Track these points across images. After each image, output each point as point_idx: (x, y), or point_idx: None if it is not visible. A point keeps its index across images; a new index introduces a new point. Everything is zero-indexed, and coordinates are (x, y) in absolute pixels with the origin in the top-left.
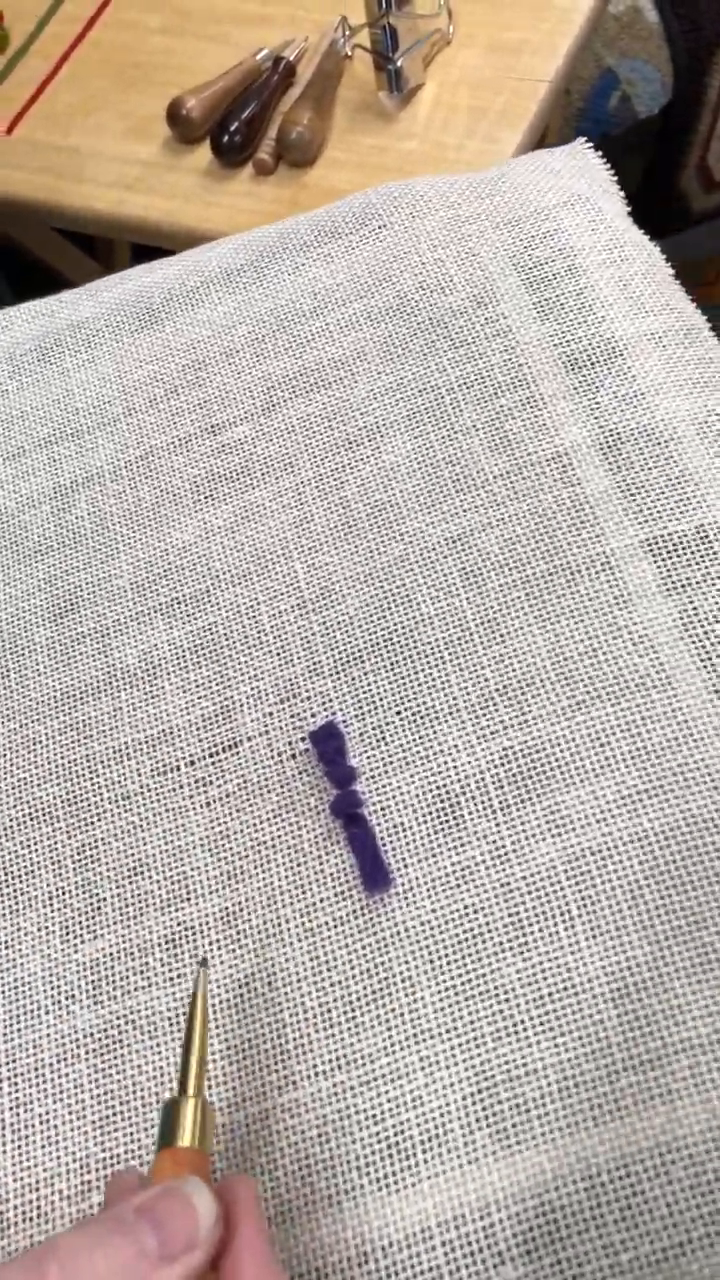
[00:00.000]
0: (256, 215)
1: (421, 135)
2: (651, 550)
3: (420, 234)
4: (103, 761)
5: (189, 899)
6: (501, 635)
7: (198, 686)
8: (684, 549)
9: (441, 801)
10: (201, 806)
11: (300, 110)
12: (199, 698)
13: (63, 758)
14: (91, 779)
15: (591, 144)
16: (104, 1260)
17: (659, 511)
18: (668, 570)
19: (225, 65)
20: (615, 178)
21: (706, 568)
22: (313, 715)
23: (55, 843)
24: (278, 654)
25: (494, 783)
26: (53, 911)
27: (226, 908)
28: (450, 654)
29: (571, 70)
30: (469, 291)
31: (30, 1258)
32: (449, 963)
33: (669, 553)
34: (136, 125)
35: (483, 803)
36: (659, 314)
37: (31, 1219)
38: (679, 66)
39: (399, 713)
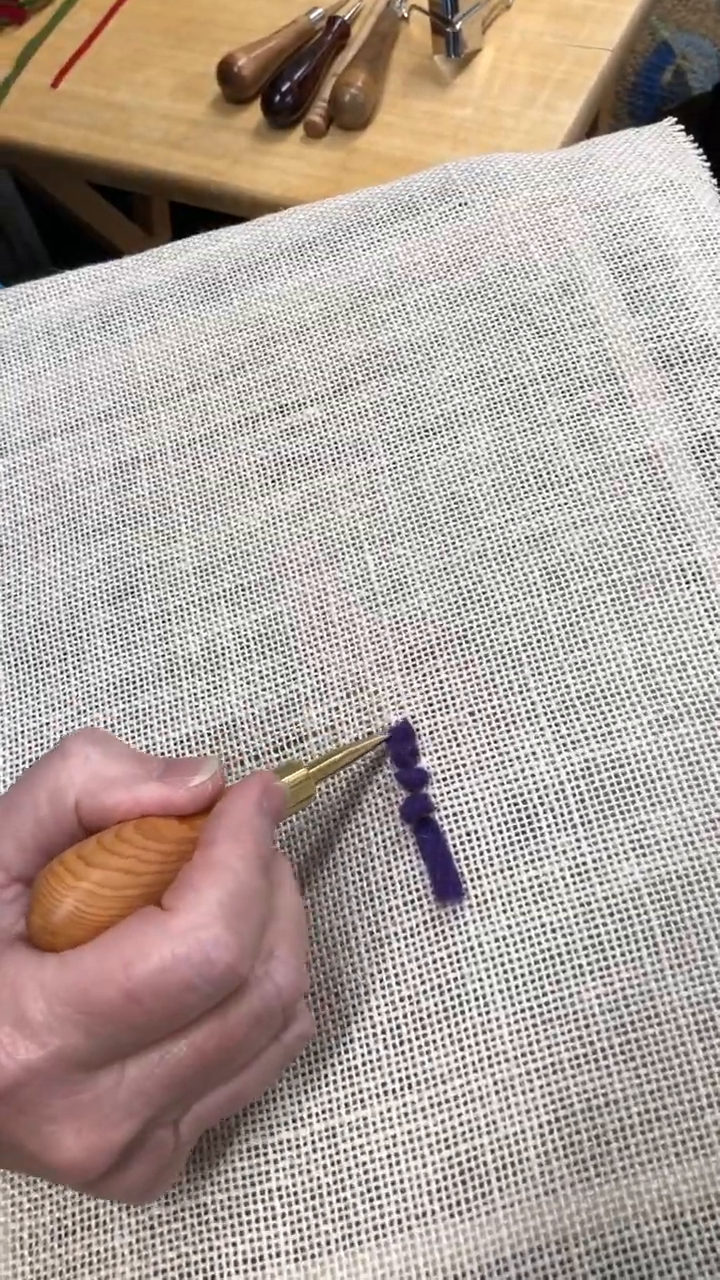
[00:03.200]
0: (306, 178)
1: (477, 102)
2: None
3: (503, 214)
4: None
5: None
6: (584, 640)
7: (262, 678)
8: None
9: (518, 811)
10: None
11: (355, 72)
12: (263, 689)
13: None
14: None
15: (644, 119)
16: (117, 764)
17: None
18: None
19: (278, 23)
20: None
21: None
22: (379, 710)
23: None
24: (346, 647)
25: (574, 795)
26: None
27: None
28: (529, 656)
29: (633, 40)
30: (554, 278)
31: (69, 734)
32: (525, 983)
33: None
34: (185, 82)
35: (562, 815)
36: None
37: None
38: None
39: (472, 713)
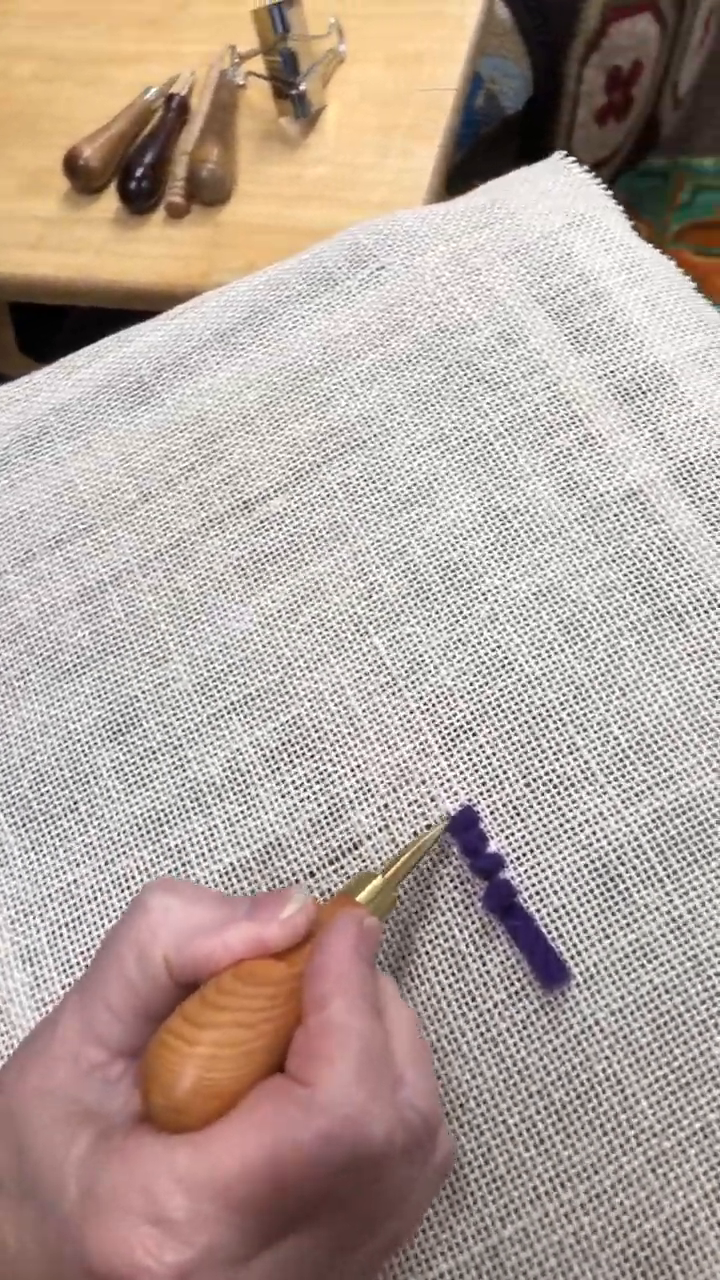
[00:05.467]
0: (177, 260)
1: (333, 159)
2: None
3: (424, 272)
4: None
5: None
6: (620, 688)
7: (296, 789)
8: None
9: (600, 876)
10: None
11: (207, 147)
12: (302, 800)
13: None
14: None
15: (467, 143)
16: (201, 909)
17: None
18: None
19: (111, 108)
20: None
21: None
22: (432, 799)
23: None
24: (377, 740)
25: (652, 848)
26: None
27: None
28: (568, 714)
29: (470, 77)
30: (492, 329)
31: (144, 887)
32: (653, 1051)
33: None
34: (28, 181)
35: (645, 872)
36: (696, 332)
37: None
38: (536, 61)
39: (528, 784)
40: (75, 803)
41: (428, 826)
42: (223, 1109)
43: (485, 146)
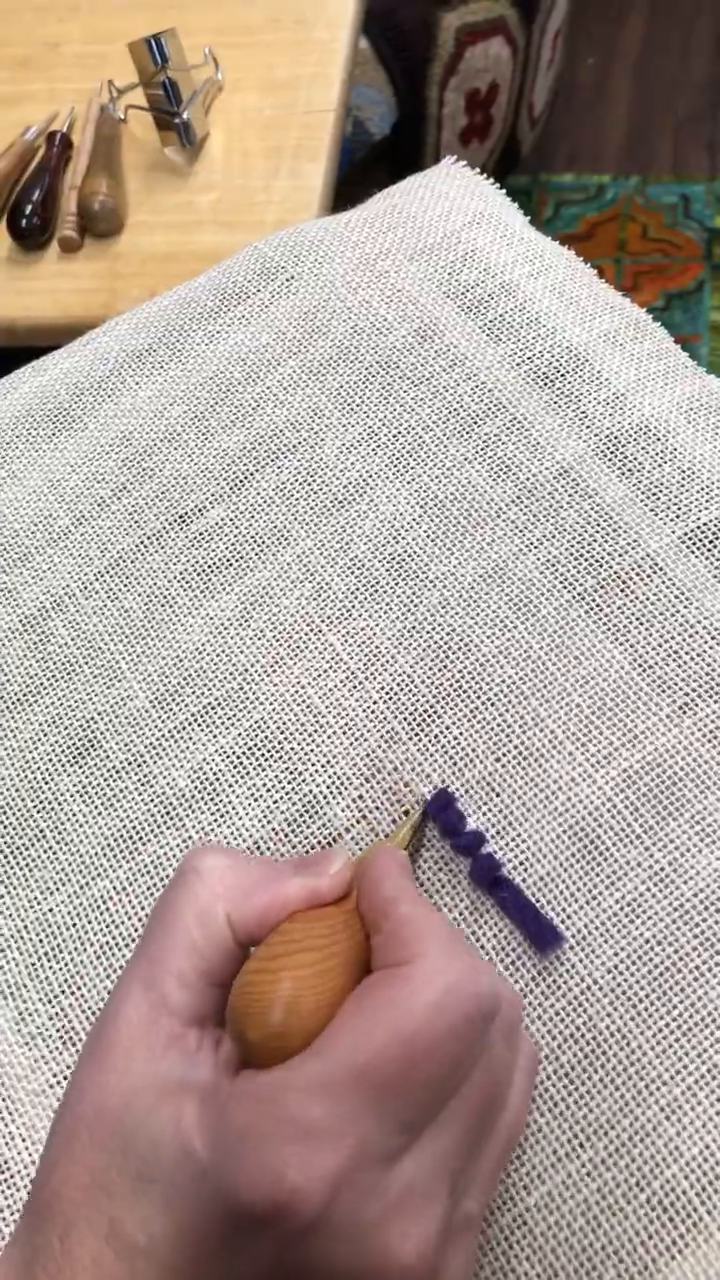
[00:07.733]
0: (78, 293)
1: (223, 183)
2: (692, 544)
3: (334, 279)
4: None
5: None
6: (575, 657)
7: (268, 791)
8: None
9: (580, 840)
10: None
11: (96, 180)
12: (275, 802)
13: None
14: None
15: (341, 171)
16: (250, 868)
17: (685, 505)
18: (717, 559)
19: None
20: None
21: None
22: (406, 785)
23: None
24: (344, 733)
25: (627, 807)
26: None
27: None
28: (529, 687)
29: (348, 99)
30: (408, 328)
31: (188, 855)
32: (652, 1003)
33: (711, 543)
34: None
35: (622, 831)
36: (603, 314)
37: None
38: (399, 87)
39: (498, 760)
40: (42, 831)
41: (405, 813)
42: (320, 1025)
43: (357, 173)
